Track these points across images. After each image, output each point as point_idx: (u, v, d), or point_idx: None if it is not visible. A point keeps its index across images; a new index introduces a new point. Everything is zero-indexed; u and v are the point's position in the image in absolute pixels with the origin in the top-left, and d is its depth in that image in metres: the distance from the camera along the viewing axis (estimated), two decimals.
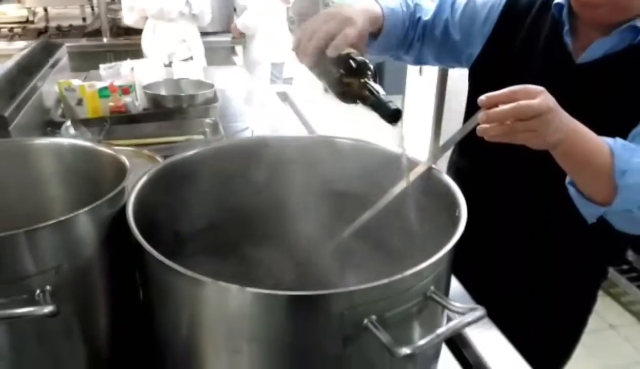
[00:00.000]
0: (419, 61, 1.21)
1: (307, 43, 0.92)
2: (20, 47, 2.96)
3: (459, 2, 1.14)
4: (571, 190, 0.92)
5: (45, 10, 4.06)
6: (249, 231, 0.94)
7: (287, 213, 0.92)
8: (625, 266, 2.67)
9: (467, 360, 0.92)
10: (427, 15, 1.15)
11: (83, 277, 0.66)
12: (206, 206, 0.89)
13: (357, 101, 0.88)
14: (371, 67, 0.87)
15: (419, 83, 3.57)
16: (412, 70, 3.69)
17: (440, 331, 0.56)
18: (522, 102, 0.74)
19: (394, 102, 0.81)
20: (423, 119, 3.51)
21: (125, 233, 0.66)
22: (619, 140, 0.87)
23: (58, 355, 0.69)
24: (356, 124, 4.99)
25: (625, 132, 0.91)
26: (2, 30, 3.75)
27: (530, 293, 1.15)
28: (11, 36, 3.60)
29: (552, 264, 1.11)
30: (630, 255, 2.69)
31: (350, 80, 0.87)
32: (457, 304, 0.62)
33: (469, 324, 0.58)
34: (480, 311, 0.59)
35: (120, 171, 0.76)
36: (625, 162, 0.84)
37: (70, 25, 3.86)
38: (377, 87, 0.84)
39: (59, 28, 3.82)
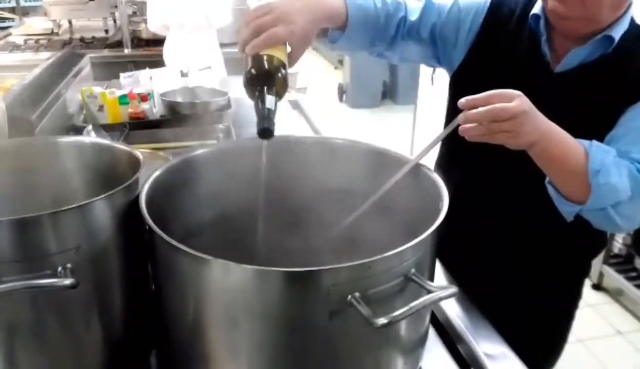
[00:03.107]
0: (403, 59, 1.23)
1: (242, 30, 0.91)
2: (45, 58, 3.10)
3: (442, 4, 1.15)
4: (550, 189, 0.98)
5: (70, 22, 4.19)
6: (253, 227, 1.01)
7: (289, 208, 0.99)
8: (632, 274, 2.69)
9: (462, 356, 0.96)
10: (413, 16, 1.15)
11: (100, 258, 0.74)
12: (214, 202, 0.97)
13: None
14: (282, 76, 0.87)
15: (431, 93, 3.62)
16: (423, 80, 3.75)
17: (414, 304, 0.63)
18: (498, 105, 0.81)
19: (272, 122, 0.84)
20: (434, 128, 3.57)
21: (139, 221, 0.74)
22: (594, 142, 0.92)
23: (75, 330, 0.76)
24: (366, 131, 5.09)
25: (601, 136, 0.97)
26: (29, 41, 3.89)
27: (518, 289, 1.20)
28: (37, 47, 3.73)
29: (535, 259, 1.16)
30: (638, 262, 2.71)
31: (253, 81, 0.87)
32: (434, 284, 0.68)
33: (440, 299, 0.64)
34: (453, 289, 0.66)
35: (135, 165, 0.83)
36: (599, 163, 0.90)
37: (93, 37, 3.98)
38: (268, 99, 0.84)
39: (82, 39, 3.94)
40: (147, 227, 0.72)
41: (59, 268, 0.68)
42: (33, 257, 0.67)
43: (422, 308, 0.67)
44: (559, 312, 1.27)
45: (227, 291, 0.67)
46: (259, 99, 0.84)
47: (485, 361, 0.92)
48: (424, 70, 3.77)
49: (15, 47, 3.74)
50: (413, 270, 0.69)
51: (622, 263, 2.78)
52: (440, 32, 1.15)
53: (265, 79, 0.86)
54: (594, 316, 2.67)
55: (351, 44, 1.11)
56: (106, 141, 0.92)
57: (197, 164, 0.93)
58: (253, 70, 0.86)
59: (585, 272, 1.26)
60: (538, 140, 0.87)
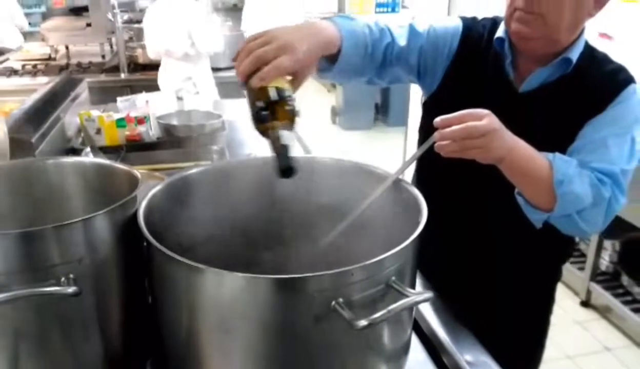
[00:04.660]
0: (392, 82, 1.25)
1: (242, 61, 0.89)
2: (42, 83, 3.17)
3: (423, 29, 1.19)
4: (519, 199, 1.04)
5: (67, 48, 4.28)
6: (245, 242, 1.06)
7: (279, 224, 1.05)
8: (620, 290, 2.74)
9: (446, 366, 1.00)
10: (402, 41, 1.17)
11: (100, 269, 0.79)
12: (208, 219, 1.01)
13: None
14: (291, 108, 0.85)
15: (420, 114, 3.71)
16: (414, 102, 3.84)
17: (391, 307, 0.67)
18: (470, 123, 0.87)
19: (291, 159, 0.81)
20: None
21: (137, 235, 0.79)
22: (557, 154, 1.00)
23: (76, 340, 0.80)
24: (359, 152, 5.16)
25: (563, 149, 1.05)
26: (26, 66, 3.96)
27: (495, 295, 1.25)
28: (35, 72, 3.80)
29: (509, 266, 1.22)
30: (625, 279, 2.76)
31: (263, 116, 0.84)
32: (412, 290, 0.73)
33: (416, 303, 0.70)
34: (429, 293, 0.71)
35: (133, 183, 0.89)
36: (563, 173, 0.97)
37: (90, 62, 4.07)
38: (285, 135, 0.82)
39: (79, 64, 4.02)
40: (145, 240, 0.77)
41: (62, 279, 0.72)
42: (38, 268, 0.72)
43: (400, 312, 0.72)
44: (535, 317, 1.32)
45: (219, 298, 0.71)
46: (273, 136, 0.82)
47: None
48: (414, 93, 3.85)
49: (13, 72, 3.81)
50: (394, 278, 0.73)
51: (609, 280, 2.83)
52: (424, 56, 1.20)
53: (276, 113, 0.84)
54: (583, 333, 2.71)
55: (343, 72, 1.10)
56: (106, 161, 0.97)
57: (193, 182, 0.98)
58: (262, 105, 0.84)
59: (556, 277, 1.32)
60: (506, 155, 0.94)
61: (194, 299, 0.74)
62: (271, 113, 0.84)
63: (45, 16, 6.07)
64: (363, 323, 0.65)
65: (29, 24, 5.91)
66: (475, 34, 1.18)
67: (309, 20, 4.21)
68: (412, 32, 1.19)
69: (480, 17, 1.23)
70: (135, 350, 0.90)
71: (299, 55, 0.90)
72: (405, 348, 0.89)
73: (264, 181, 1.02)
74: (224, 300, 0.71)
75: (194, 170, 0.99)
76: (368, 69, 1.16)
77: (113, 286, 0.82)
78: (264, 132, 0.85)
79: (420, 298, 0.70)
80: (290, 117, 0.85)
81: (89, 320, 0.80)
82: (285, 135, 0.83)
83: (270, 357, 0.73)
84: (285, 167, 0.81)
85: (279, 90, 0.85)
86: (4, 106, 2.08)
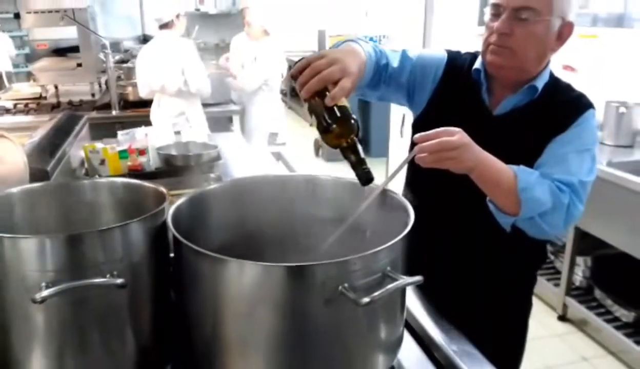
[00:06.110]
0: (380, 99, 1.41)
1: (308, 78, 1.00)
2: (36, 120, 3.29)
3: (414, 54, 1.37)
4: (490, 205, 1.20)
5: (56, 87, 4.40)
6: (256, 248, 1.18)
7: (283, 232, 1.18)
8: (594, 304, 2.90)
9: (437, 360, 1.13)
10: (394, 63, 1.33)
11: (136, 269, 0.90)
12: (223, 228, 1.14)
13: (338, 149, 0.99)
14: (355, 121, 0.98)
15: (400, 145, 3.90)
16: (393, 133, 4.04)
17: (389, 286, 0.81)
18: (444, 138, 1.04)
19: (369, 167, 0.96)
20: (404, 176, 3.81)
21: (164, 244, 0.93)
22: (521, 166, 1.16)
23: (112, 334, 0.91)
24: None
25: (531, 163, 1.21)
26: (18, 105, 4.07)
27: (477, 297, 1.38)
28: (27, 111, 3.91)
29: (485, 270, 1.36)
30: (598, 293, 2.92)
31: (338, 132, 0.97)
32: (405, 276, 0.87)
33: (408, 284, 0.84)
34: (418, 277, 0.85)
35: (160, 199, 1.02)
36: (525, 182, 1.14)
37: (81, 100, 4.19)
38: (360, 148, 0.96)
39: (70, 103, 4.14)
40: (174, 242, 0.90)
41: (107, 276, 0.84)
42: (86, 266, 0.84)
43: (395, 296, 0.86)
44: (514, 320, 1.46)
45: (242, 286, 0.84)
46: (350, 149, 0.96)
47: (457, 360, 1.09)
48: (393, 125, 4.05)
49: (5, 111, 3.91)
50: (389, 268, 0.87)
51: (584, 295, 2.99)
52: (414, 77, 1.37)
53: (349, 129, 0.97)
54: (561, 345, 2.85)
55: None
56: (135, 180, 1.10)
57: (211, 197, 1.12)
58: (332, 120, 0.97)
59: (531, 283, 1.46)
60: (476, 165, 1.10)
61: (219, 288, 0.86)
62: (338, 128, 0.97)
63: (29, 58, 6.20)
64: (366, 300, 0.78)
65: (16, 65, 6.05)
66: (457, 65, 1.37)
67: (289, 58, 4.42)
68: (404, 55, 1.37)
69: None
70: (160, 349, 1.00)
71: (353, 74, 1.04)
72: (399, 340, 1.01)
73: (272, 195, 1.17)
74: (246, 288, 0.84)
75: (212, 186, 1.13)
76: (368, 86, 1.32)
77: (145, 284, 0.94)
78: (334, 146, 0.99)
79: (410, 280, 0.84)
80: (354, 130, 0.98)
81: (124, 315, 0.91)
82: (359, 146, 0.97)
83: (287, 336, 0.85)
84: (366, 177, 0.97)
85: (343, 108, 0.99)
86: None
